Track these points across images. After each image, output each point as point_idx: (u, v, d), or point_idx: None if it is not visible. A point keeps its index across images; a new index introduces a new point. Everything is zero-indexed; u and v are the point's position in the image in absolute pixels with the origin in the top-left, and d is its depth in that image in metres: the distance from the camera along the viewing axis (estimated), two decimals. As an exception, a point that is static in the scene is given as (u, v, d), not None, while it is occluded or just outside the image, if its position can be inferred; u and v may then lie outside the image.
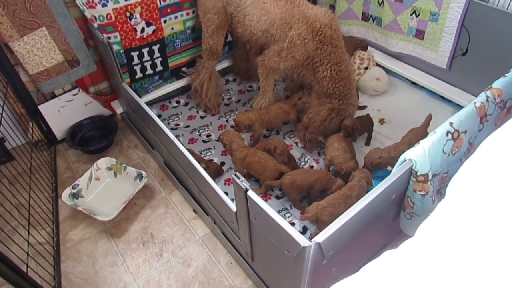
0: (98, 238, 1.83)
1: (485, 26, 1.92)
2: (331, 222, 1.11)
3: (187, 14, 2.25)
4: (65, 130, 2.29)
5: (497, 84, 1.44)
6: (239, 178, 1.18)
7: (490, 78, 1.60)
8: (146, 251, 1.77)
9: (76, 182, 1.95)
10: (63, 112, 2.22)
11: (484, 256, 0.72)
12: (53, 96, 2.15)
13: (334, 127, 1.96)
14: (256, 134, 2.08)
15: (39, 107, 2.12)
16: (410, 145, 1.45)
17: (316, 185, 1.73)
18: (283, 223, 1.09)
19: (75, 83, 2.17)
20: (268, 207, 1.12)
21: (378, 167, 1.78)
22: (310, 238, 1.06)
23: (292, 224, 1.74)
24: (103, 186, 2.02)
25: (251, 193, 1.15)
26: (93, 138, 2.33)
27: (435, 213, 0.89)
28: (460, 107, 2.15)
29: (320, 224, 1.53)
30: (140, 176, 1.99)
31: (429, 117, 1.88)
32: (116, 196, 1.96)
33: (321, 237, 1.06)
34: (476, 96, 1.45)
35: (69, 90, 2.18)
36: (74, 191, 1.93)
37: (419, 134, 1.79)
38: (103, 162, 2.05)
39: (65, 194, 1.89)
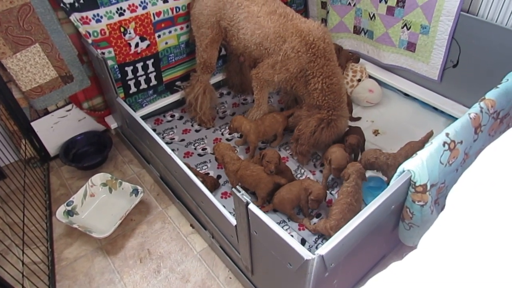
0: (94, 255, 1.80)
1: (475, 38, 1.96)
2: None
3: (181, 28, 2.26)
4: (58, 147, 2.26)
5: (490, 95, 1.46)
6: (239, 191, 1.18)
7: (480, 89, 1.64)
8: (144, 268, 1.74)
9: (71, 199, 1.92)
10: (56, 128, 2.20)
11: (487, 266, 0.73)
12: (46, 112, 2.13)
13: (326, 138, 1.95)
14: (251, 146, 2.08)
15: (32, 123, 2.10)
16: (407, 157, 1.46)
17: (301, 193, 1.76)
18: (286, 236, 1.09)
19: (69, 99, 2.15)
20: (270, 221, 1.12)
21: (371, 167, 1.81)
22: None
23: (291, 236, 1.73)
24: (98, 202, 1.99)
25: (252, 207, 1.15)
26: (87, 154, 2.31)
27: (437, 224, 0.89)
28: (452, 117, 2.18)
29: None
30: (135, 191, 1.97)
31: (430, 134, 1.88)
32: (112, 212, 1.94)
33: (324, 249, 1.06)
34: (467, 107, 1.48)
35: (63, 106, 2.17)
36: (69, 208, 1.90)
37: (416, 148, 1.79)
38: (98, 178, 2.03)
39: (60, 212, 1.85)
